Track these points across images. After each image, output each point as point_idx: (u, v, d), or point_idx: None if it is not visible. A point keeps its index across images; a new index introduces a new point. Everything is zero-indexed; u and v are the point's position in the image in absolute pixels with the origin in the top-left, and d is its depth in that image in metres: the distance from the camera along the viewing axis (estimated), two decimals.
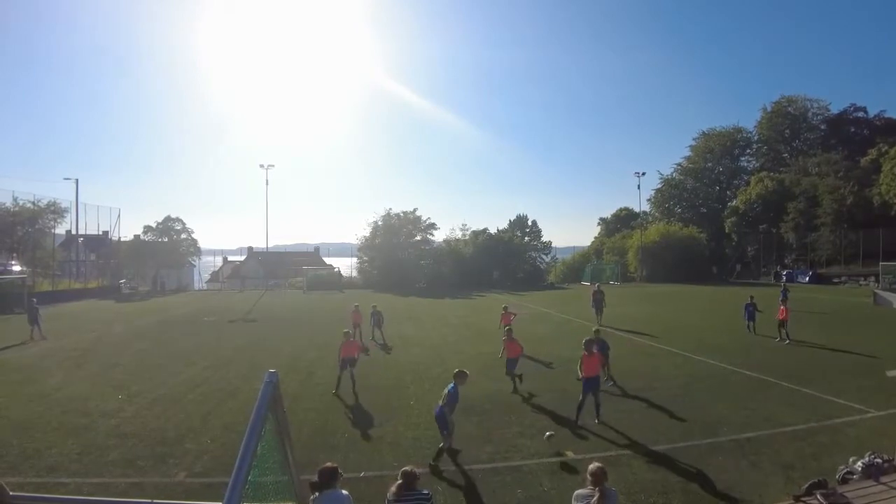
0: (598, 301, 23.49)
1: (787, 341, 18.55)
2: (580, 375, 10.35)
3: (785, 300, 19.91)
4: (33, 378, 14.96)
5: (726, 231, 66.21)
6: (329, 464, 5.19)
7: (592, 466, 5.33)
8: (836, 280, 49.46)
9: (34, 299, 23.76)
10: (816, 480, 6.77)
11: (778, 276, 52.60)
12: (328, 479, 5.00)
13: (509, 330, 14.24)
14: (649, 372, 14.64)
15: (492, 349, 17.66)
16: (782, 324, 19.05)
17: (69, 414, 11.46)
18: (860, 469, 7.19)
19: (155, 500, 6.84)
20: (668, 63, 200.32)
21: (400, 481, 5.35)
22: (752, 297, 21.05)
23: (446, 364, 15.58)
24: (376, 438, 9.84)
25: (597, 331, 13.83)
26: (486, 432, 9.97)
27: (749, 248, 65.04)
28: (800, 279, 50.79)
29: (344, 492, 5.06)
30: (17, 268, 42.58)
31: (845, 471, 7.34)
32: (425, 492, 5.42)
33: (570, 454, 8.76)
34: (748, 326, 20.62)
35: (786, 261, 59.72)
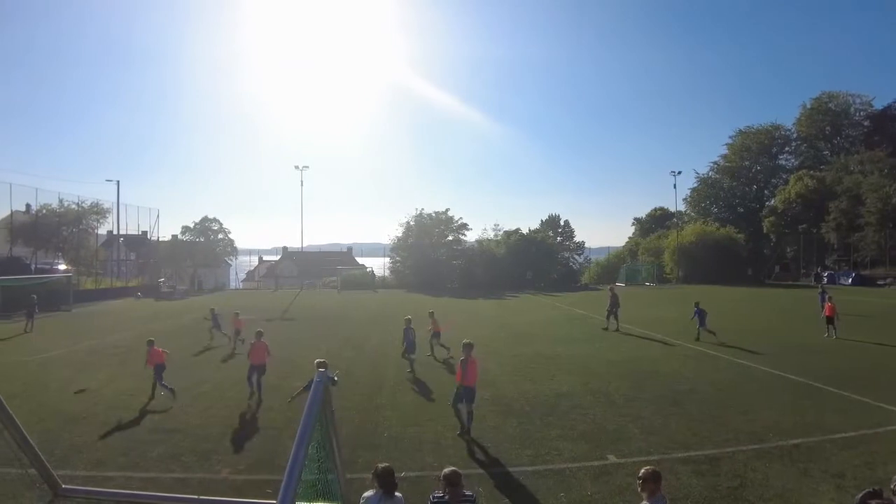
0: (613, 303, 23.44)
1: (835, 336, 19.47)
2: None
3: (828, 298, 20.88)
4: (81, 374, 15.44)
5: (764, 231, 64.60)
6: (386, 464, 5.13)
7: (643, 470, 5.06)
8: (880, 282, 47.48)
9: (34, 296, 26.49)
10: (871, 490, 6.46)
11: (819, 278, 50.92)
12: (390, 482, 4.97)
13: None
14: (692, 375, 14.35)
15: (529, 350, 17.58)
16: (830, 320, 19.89)
17: (115, 409, 11.78)
18: None
19: (202, 496, 6.98)
20: (704, 59, 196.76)
21: (447, 483, 5.19)
22: (697, 303, 20.38)
23: (483, 365, 15.50)
24: (416, 438, 9.83)
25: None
26: (526, 434, 9.88)
27: (788, 249, 63.39)
28: (842, 281, 49.08)
29: (397, 494, 5.02)
30: (62, 266, 44.10)
31: None
32: (469, 493, 5.34)
33: (612, 458, 8.64)
34: (699, 332, 19.68)
35: (827, 262, 57.95)
